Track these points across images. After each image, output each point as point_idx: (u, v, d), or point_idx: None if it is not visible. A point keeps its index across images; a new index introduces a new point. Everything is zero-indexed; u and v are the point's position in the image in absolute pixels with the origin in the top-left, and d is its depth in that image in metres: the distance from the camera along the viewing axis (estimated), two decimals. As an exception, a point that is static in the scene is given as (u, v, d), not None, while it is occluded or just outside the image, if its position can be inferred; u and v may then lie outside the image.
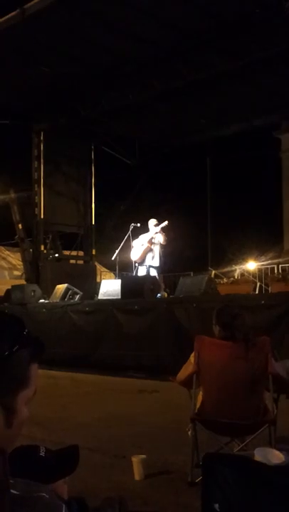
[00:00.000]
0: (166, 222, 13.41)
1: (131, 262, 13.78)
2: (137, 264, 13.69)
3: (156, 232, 13.43)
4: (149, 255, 13.59)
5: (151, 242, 13.52)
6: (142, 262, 13.62)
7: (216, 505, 1.54)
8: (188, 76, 13.06)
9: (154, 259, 13.61)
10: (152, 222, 13.68)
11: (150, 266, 13.54)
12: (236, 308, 4.84)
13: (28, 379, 1.27)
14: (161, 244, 13.51)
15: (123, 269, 14.15)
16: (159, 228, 13.39)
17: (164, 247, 13.65)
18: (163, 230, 13.43)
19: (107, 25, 11.90)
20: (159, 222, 13.63)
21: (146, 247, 13.52)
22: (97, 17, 11.64)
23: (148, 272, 13.52)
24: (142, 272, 13.63)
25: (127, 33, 12.18)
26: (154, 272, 13.52)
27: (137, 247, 13.62)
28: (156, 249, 13.60)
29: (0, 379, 1.21)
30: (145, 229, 13.75)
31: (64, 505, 1.20)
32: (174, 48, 12.50)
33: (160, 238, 13.41)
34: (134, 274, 13.76)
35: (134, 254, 13.64)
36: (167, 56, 12.81)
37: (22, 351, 1.24)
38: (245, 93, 14.36)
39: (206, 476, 1.58)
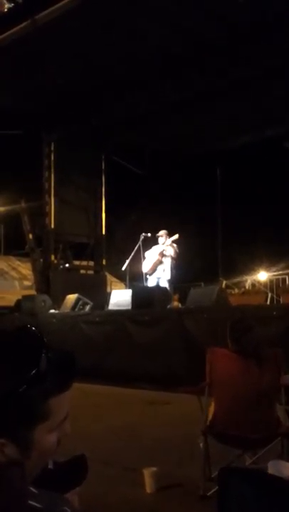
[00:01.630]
0: (176, 236, 13.37)
1: (141, 272, 13.75)
2: (147, 276, 13.66)
3: (167, 245, 13.39)
4: (160, 267, 13.56)
5: (162, 254, 13.49)
6: (152, 273, 13.59)
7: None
8: (200, 85, 13.06)
9: (164, 272, 13.58)
10: (162, 233, 13.65)
11: (161, 278, 13.51)
12: (249, 321, 4.79)
13: (46, 413, 1.19)
14: (172, 257, 13.48)
15: (133, 280, 14.11)
16: (170, 241, 13.35)
17: (175, 260, 13.62)
18: (174, 242, 13.40)
19: (118, 35, 11.92)
20: (170, 234, 13.60)
21: (157, 260, 13.49)
22: (108, 26, 11.66)
23: (158, 283, 13.49)
24: (151, 283, 13.60)
25: (139, 42, 12.18)
26: (164, 284, 13.49)
27: (149, 258, 13.61)
28: (168, 261, 13.58)
29: (3, 418, 1.14)
30: (155, 239, 13.73)
31: None
32: (185, 56, 12.48)
33: (171, 251, 13.38)
34: (143, 284, 13.73)
35: (146, 266, 13.62)
36: (179, 65, 12.80)
37: (33, 388, 1.16)
38: (257, 103, 14.33)
39: (222, 490, 1.53)
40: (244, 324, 4.68)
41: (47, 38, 11.96)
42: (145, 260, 13.65)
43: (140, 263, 13.71)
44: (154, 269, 13.54)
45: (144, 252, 13.66)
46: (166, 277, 13.56)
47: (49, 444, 1.22)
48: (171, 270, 13.59)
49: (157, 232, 13.78)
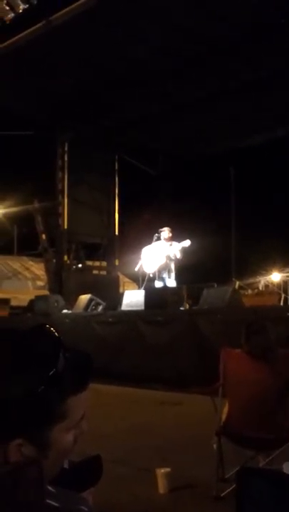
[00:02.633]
0: (188, 242, 13.21)
1: (156, 273, 13.66)
2: (153, 276, 13.60)
3: (176, 250, 13.30)
4: (165, 269, 13.52)
5: (169, 258, 13.41)
6: (157, 275, 13.54)
7: (250, 519, 1.50)
8: (213, 86, 13.04)
9: (171, 274, 13.56)
10: (165, 232, 13.55)
11: (166, 279, 13.48)
12: (263, 323, 4.78)
13: (63, 413, 1.19)
14: (178, 259, 13.44)
15: (147, 280, 14.09)
16: (180, 247, 13.25)
17: (179, 263, 13.60)
18: (184, 248, 13.30)
19: (131, 36, 11.96)
20: (173, 234, 13.49)
21: (164, 263, 13.42)
22: (122, 28, 11.69)
23: (165, 284, 13.46)
24: (158, 285, 13.57)
25: (152, 43, 12.20)
26: (171, 285, 13.48)
27: (149, 257, 13.51)
28: (173, 265, 13.56)
29: (21, 418, 1.14)
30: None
31: None
32: (197, 57, 12.48)
33: (178, 254, 13.30)
34: (151, 286, 13.68)
35: (149, 267, 13.53)
36: (191, 66, 12.80)
37: (51, 389, 1.16)
38: (269, 102, 14.29)
39: (240, 490, 1.53)
40: (258, 325, 4.67)
41: (61, 39, 12.01)
42: (144, 259, 13.55)
43: (142, 260, 13.66)
44: (159, 271, 13.50)
45: (144, 248, 13.64)
46: (171, 279, 13.56)
47: (66, 443, 1.22)
48: (176, 271, 13.59)
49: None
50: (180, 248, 13.26)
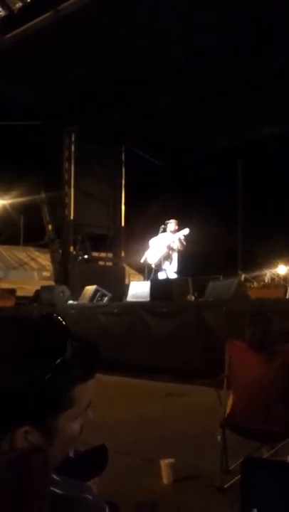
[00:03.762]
0: (187, 230, 13.24)
1: (158, 263, 13.67)
2: (153, 266, 13.62)
3: (176, 238, 13.31)
4: (167, 260, 13.53)
5: (170, 247, 13.43)
6: (160, 266, 13.55)
7: (255, 510, 1.50)
8: (221, 79, 12.99)
9: (171, 265, 13.57)
10: (171, 224, 13.56)
11: (168, 270, 13.48)
12: (268, 315, 4.77)
13: (70, 401, 1.20)
14: (179, 249, 13.44)
15: (152, 271, 14.10)
16: (179, 235, 13.26)
17: (181, 253, 13.60)
18: (184, 237, 13.31)
19: (140, 28, 11.90)
20: (180, 224, 13.51)
21: (165, 253, 13.44)
22: (131, 19, 11.64)
23: (166, 275, 13.47)
24: (161, 277, 13.58)
25: (161, 36, 12.15)
26: (172, 276, 13.47)
27: (154, 248, 13.54)
28: (175, 255, 13.56)
29: (29, 405, 1.14)
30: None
31: (107, 508, 1.18)
32: (207, 51, 12.43)
33: (178, 244, 13.31)
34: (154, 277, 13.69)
35: (152, 258, 13.56)
36: (201, 59, 12.74)
37: (58, 377, 1.16)
38: (279, 96, 14.22)
39: (244, 480, 1.53)
40: (261, 317, 4.67)
41: (69, 29, 11.97)
42: (149, 250, 13.58)
43: (147, 252, 13.68)
44: (160, 262, 13.51)
45: (150, 240, 13.65)
46: (173, 270, 13.55)
47: (72, 431, 1.22)
48: (178, 262, 13.58)
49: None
50: (180, 237, 13.24)
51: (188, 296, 12.29)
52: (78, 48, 12.78)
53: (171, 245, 13.41)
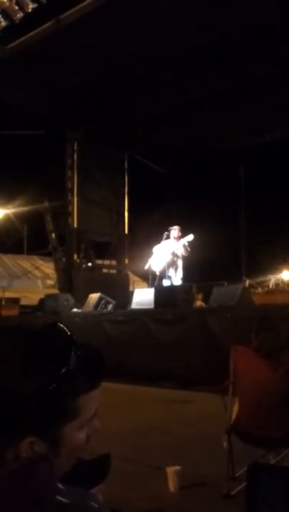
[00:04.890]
0: (191, 236, 13.20)
1: (163, 270, 13.65)
2: (158, 273, 13.59)
3: (180, 245, 13.28)
4: (172, 267, 13.50)
5: (174, 254, 13.39)
6: (164, 273, 13.51)
7: (261, 515, 1.50)
8: (223, 84, 13.02)
9: (177, 272, 13.53)
10: (174, 231, 13.54)
11: (173, 278, 13.45)
12: (274, 321, 4.76)
13: (75, 410, 1.19)
14: (184, 256, 13.41)
15: (156, 279, 14.10)
16: (184, 241, 13.24)
17: (186, 259, 13.57)
18: (188, 243, 13.28)
19: (141, 33, 11.94)
20: (184, 230, 13.49)
21: (170, 260, 13.40)
22: (131, 25, 11.68)
23: (171, 282, 13.44)
24: (166, 283, 13.54)
25: (162, 41, 12.19)
26: (178, 283, 13.44)
27: (158, 255, 13.52)
28: (180, 262, 13.52)
29: (33, 416, 1.14)
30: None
31: None
32: (208, 54, 12.45)
33: (182, 251, 13.28)
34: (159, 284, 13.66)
35: (157, 265, 13.52)
36: (202, 63, 12.77)
37: (63, 386, 1.15)
38: (279, 100, 14.24)
39: (250, 486, 1.53)
40: (268, 323, 4.66)
41: (70, 38, 12.02)
42: (153, 257, 13.55)
43: (151, 259, 13.66)
44: (166, 269, 13.48)
45: (154, 247, 13.64)
46: (178, 276, 13.52)
47: (78, 441, 1.22)
48: (183, 269, 13.56)
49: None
50: (184, 243, 13.21)
51: (198, 302, 12.26)
52: (79, 56, 12.85)
53: (176, 252, 13.37)
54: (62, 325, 1.27)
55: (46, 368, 1.16)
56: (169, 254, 13.39)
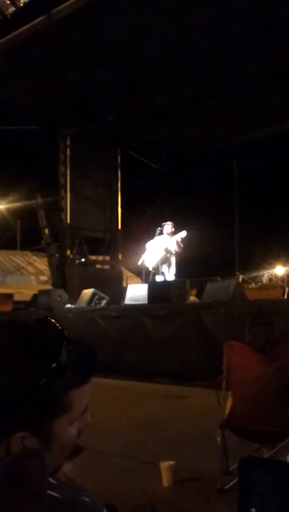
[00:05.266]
0: (184, 233, 13.19)
1: (156, 267, 13.64)
2: (151, 269, 13.59)
3: (173, 241, 13.27)
4: (165, 263, 13.49)
5: (167, 251, 13.38)
6: (158, 270, 13.51)
7: (253, 510, 1.49)
8: (216, 81, 13.00)
9: (170, 268, 13.52)
10: (168, 227, 13.53)
11: (166, 274, 13.45)
12: (267, 316, 4.77)
13: (67, 405, 1.18)
14: (177, 252, 13.40)
15: (149, 274, 14.11)
16: (177, 238, 13.22)
17: (179, 256, 13.57)
18: (181, 239, 13.26)
19: (135, 30, 11.91)
20: (176, 228, 13.47)
21: (163, 256, 13.39)
22: (125, 22, 11.64)
23: (164, 278, 13.44)
24: (159, 279, 13.54)
25: (155, 38, 12.16)
26: (171, 279, 13.45)
27: (151, 251, 13.51)
28: (173, 258, 13.51)
29: (24, 411, 1.13)
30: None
31: (105, 509, 1.16)
32: (202, 52, 12.43)
33: (175, 247, 13.27)
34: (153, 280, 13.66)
35: (150, 262, 13.52)
36: (195, 61, 12.75)
37: (54, 381, 1.14)
38: (273, 96, 14.24)
39: (242, 480, 1.52)
40: (262, 317, 4.66)
41: (62, 33, 11.97)
42: (146, 253, 13.54)
43: (144, 255, 13.65)
44: (159, 266, 13.47)
45: (147, 243, 13.63)
46: (172, 272, 13.52)
47: (69, 436, 1.21)
48: (176, 265, 13.55)
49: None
50: (177, 240, 13.20)
51: (192, 298, 12.27)
52: (73, 51, 12.79)
53: (169, 248, 13.36)
54: (53, 320, 1.26)
55: (37, 363, 1.15)
56: (162, 250, 13.38)
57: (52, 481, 1.12)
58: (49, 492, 1.08)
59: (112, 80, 13.91)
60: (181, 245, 13.26)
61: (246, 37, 11.82)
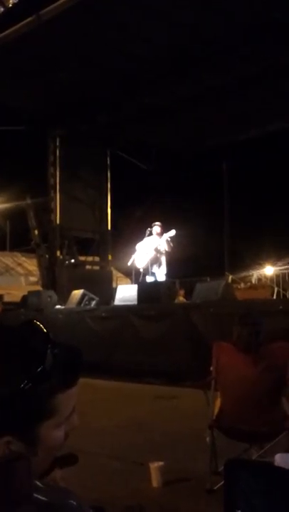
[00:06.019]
0: (173, 232, 13.23)
1: (146, 267, 13.66)
2: (141, 270, 13.61)
3: (163, 241, 13.30)
4: (155, 263, 13.52)
5: (157, 250, 13.41)
6: (148, 270, 13.53)
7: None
8: (206, 82, 13.03)
9: (160, 268, 13.55)
10: (157, 227, 13.56)
11: (157, 274, 13.47)
12: (255, 316, 4.78)
13: (52, 409, 1.18)
14: (167, 251, 13.43)
15: (139, 275, 14.11)
16: (166, 237, 13.26)
17: (170, 255, 13.59)
18: (170, 238, 13.31)
19: (124, 30, 11.89)
20: (167, 227, 13.51)
21: (153, 256, 13.42)
22: (114, 22, 11.63)
23: (155, 278, 13.46)
24: (149, 279, 13.56)
25: (145, 38, 12.14)
26: (162, 279, 13.46)
27: (141, 252, 13.53)
28: (163, 258, 13.54)
29: (9, 415, 1.12)
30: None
31: None
32: (192, 53, 12.44)
33: (165, 246, 13.31)
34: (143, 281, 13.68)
35: (140, 262, 13.55)
36: (186, 61, 12.75)
37: (39, 386, 1.14)
38: (262, 98, 14.28)
39: (228, 482, 1.53)
40: (250, 319, 4.68)
41: (51, 34, 11.94)
42: (137, 254, 13.57)
43: (134, 255, 13.67)
44: (149, 266, 13.49)
45: (137, 244, 13.65)
46: (162, 272, 13.55)
47: (56, 439, 1.21)
48: (167, 265, 13.57)
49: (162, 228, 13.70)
50: (166, 239, 13.24)
51: (181, 298, 12.29)
52: (62, 51, 12.76)
53: (159, 248, 13.39)
54: (38, 322, 1.26)
55: (21, 368, 1.14)
56: (152, 250, 13.40)
57: (39, 484, 1.12)
58: (36, 495, 1.08)
59: (101, 79, 13.90)
60: (171, 244, 13.29)
61: (235, 37, 11.83)
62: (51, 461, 1.26)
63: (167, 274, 13.64)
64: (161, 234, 13.44)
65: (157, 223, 13.62)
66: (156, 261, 13.50)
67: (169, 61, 12.85)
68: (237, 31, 11.67)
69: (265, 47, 11.85)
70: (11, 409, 1.12)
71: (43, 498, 1.09)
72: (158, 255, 13.48)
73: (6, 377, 1.13)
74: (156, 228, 13.54)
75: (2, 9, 11.89)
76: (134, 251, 13.71)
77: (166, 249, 13.37)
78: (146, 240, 13.56)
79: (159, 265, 13.57)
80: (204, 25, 11.58)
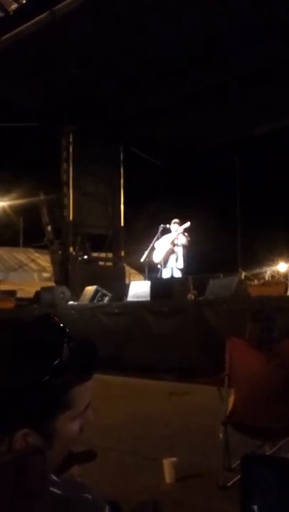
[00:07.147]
0: (188, 223, 13.26)
1: (163, 261, 13.67)
2: (160, 266, 13.63)
3: (179, 233, 13.34)
4: (172, 257, 13.52)
5: (173, 243, 13.43)
6: (165, 263, 13.55)
7: (255, 507, 1.50)
8: (218, 77, 13.00)
9: (177, 261, 13.54)
10: (174, 222, 13.58)
11: (174, 268, 13.47)
12: (269, 313, 4.76)
13: (69, 402, 1.20)
14: (184, 245, 13.43)
15: (152, 271, 14.11)
16: (181, 229, 13.29)
17: (187, 248, 13.57)
18: (185, 230, 13.35)
19: (135, 28, 11.88)
20: (182, 222, 13.53)
21: (169, 249, 13.43)
22: (125, 20, 11.62)
23: (172, 274, 13.45)
24: (166, 274, 13.56)
25: (155, 36, 12.14)
26: (178, 274, 13.46)
27: (160, 248, 13.56)
28: (180, 250, 13.53)
29: (27, 408, 1.14)
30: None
31: (107, 506, 1.17)
32: (203, 50, 12.41)
33: (182, 239, 13.32)
34: (158, 276, 13.70)
35: (157, 256, 13.57)
36: (196, 58, 12.73)
37: (56, 378, 1.16)
38: (274, 92, 14.21)
39: (244, 477, 1.53)
40: (263, 315, 4.66)
41: (65, 30, 11.95)
42: (156, 250, 13.60)
43: (154, 254, 13.68)
44: (166, 259, 13.50)
45: (156, 242, 13.64)
46: (179, 266, 13.54)
47: (71, 432, 1.22)
48: (184, 259, 13.56)
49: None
50: (181, 231, 13.25)
51: (189, 295, 12.27)
52: (74, 48, 12.77)
53: (175, 242, 13.42)
54: (54, 317, 1.27)
55: (39, 360, 1.16)
56: (168, 244, 13.44)
57: (54, 478, 1.13)
58: (52, 489, 1.09)
59: (113, 77, 13.90)
60: (188, 238, 13.32)
61: (244, 35, 11.79)
62: (65, 454, 1.27)
63: (183, 270, 13.62)
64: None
65: (176, 220, 13.62)
66: (172, 253, 13.50)
67: (179, 61, 12.83)
68: (245, 27, 11.62)
69: (271, 46, 11.81)
70: (28, 401, 1.14)
71: (59, 492, 1.09)
72: (173, 248, 13.49)
73: (23, 370, 1.14)
74: (175, 226, 13.53)
75: (16, 5, 11.88)
76: (147, 247, 13.69)
77: (184, 243, 13.38)
78: (165, 237, 13.58)
79: (176, 259, 13.57)
80: (210, 22, 11.52)
